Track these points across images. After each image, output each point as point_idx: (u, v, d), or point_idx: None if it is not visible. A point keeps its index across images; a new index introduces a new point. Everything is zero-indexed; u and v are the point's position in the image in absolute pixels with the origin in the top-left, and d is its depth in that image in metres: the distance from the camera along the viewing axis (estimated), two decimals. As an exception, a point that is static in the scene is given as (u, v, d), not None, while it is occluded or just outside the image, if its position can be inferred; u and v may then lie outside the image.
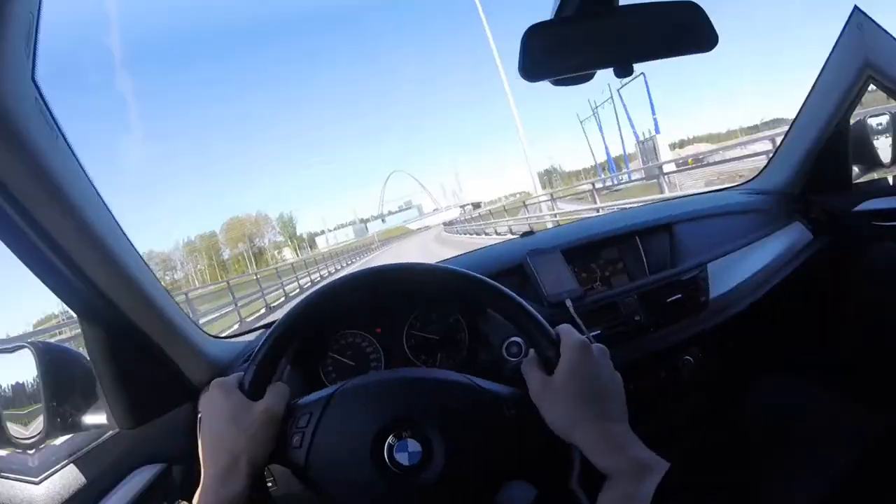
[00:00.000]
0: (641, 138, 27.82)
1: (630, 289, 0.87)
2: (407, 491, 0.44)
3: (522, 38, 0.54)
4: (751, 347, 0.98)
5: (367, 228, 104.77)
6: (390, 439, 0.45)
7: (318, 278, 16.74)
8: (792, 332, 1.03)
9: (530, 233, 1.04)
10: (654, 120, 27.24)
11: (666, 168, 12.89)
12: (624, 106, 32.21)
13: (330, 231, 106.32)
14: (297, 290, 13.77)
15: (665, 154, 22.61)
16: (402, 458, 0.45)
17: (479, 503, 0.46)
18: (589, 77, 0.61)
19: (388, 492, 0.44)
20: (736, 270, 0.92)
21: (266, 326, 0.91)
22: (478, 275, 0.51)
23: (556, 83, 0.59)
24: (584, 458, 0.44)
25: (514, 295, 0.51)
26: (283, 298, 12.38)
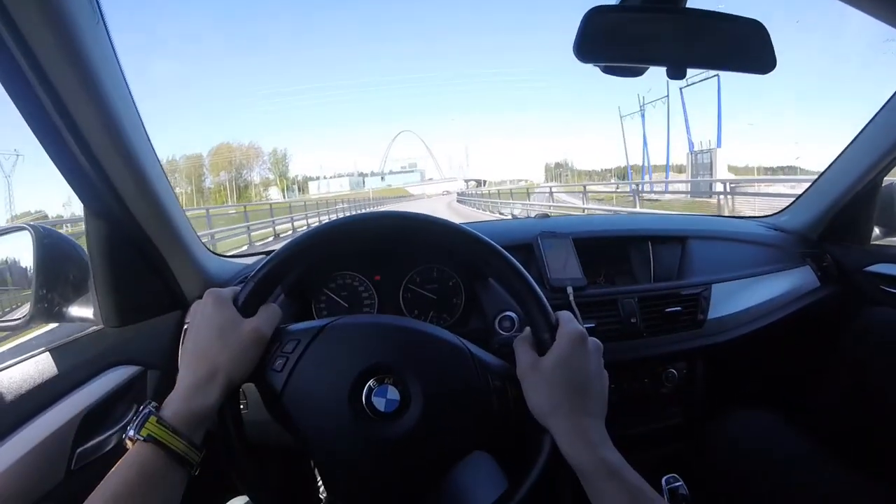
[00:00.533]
0: (696, 148, 23.12)
1: (632, 291, 0.87)
2: (375, 436, 0.44)
3: (583, 18, 0.53)
4: (735, 375, 0.99)
5: (363, 183, 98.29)
6: (371, 382, 0.45)
7: (304, 226, 12.95)
8: (777, 370, 1.04)
9: (546, 215, 1.04)
10: (719, 131, 22.29)
11: (717, 188, 11.39)
12: (684, 108, 26.89)
13: (325, 178, 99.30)
14: (271, 238, 11.67)
15: (722, 173, 18.91)
16: (379, 404, 0.45)
17: (443, 464, 0.47)
18: (640, 72, 0.59)
19: (356, 433, 0.44)
20: (738, 298, 0.92)
21: (268, 253, 0.92)
22: (494, 243, 0.51)
23: (606, 71, 0.58)
24: (554, 447, 0.44)
25: (525, 272, 0.50)
26: (246, 246, 9.68)
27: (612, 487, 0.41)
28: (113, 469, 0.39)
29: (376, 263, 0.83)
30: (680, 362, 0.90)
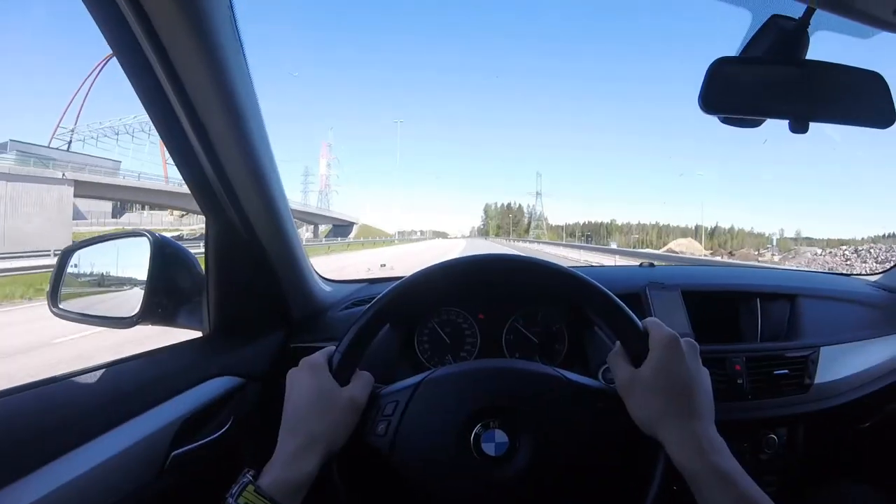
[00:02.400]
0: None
1: (741, 350, 0.83)
2: (491, 481, 0.44)
3: (708, 69, 0.53)
4: (839, 444, 0.91)
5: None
6: (477, 429, 0.46)
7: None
8: (886, 441, 0.95)
9: (650, 264, 1.01)
10: None
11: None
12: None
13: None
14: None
15: None
16: (489, 449, 0.45)
17: (563, 497, 0.46)
18: (759, 123, 0.59)
19: (472, 481, 0.44)
20: (849, 361, 0.86)
21: (371, 281, 0.92)
22: (570, 269, 0.51)
23: (725, 121, 0.58)
24: (668, 457, 0.43)
25: (603, 288, 0.50)
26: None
27: (722, 496, 0.39)
28: None
29: (481, 302, 0.83)
30: (781, 428, 0.84)
